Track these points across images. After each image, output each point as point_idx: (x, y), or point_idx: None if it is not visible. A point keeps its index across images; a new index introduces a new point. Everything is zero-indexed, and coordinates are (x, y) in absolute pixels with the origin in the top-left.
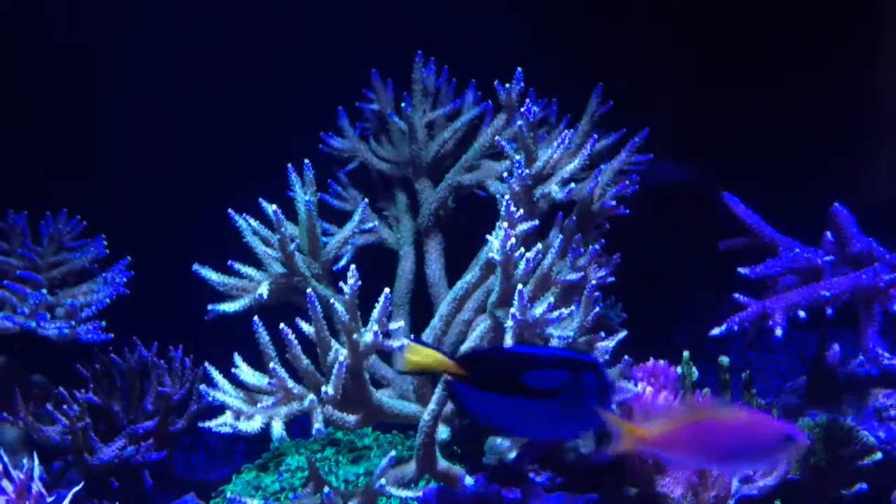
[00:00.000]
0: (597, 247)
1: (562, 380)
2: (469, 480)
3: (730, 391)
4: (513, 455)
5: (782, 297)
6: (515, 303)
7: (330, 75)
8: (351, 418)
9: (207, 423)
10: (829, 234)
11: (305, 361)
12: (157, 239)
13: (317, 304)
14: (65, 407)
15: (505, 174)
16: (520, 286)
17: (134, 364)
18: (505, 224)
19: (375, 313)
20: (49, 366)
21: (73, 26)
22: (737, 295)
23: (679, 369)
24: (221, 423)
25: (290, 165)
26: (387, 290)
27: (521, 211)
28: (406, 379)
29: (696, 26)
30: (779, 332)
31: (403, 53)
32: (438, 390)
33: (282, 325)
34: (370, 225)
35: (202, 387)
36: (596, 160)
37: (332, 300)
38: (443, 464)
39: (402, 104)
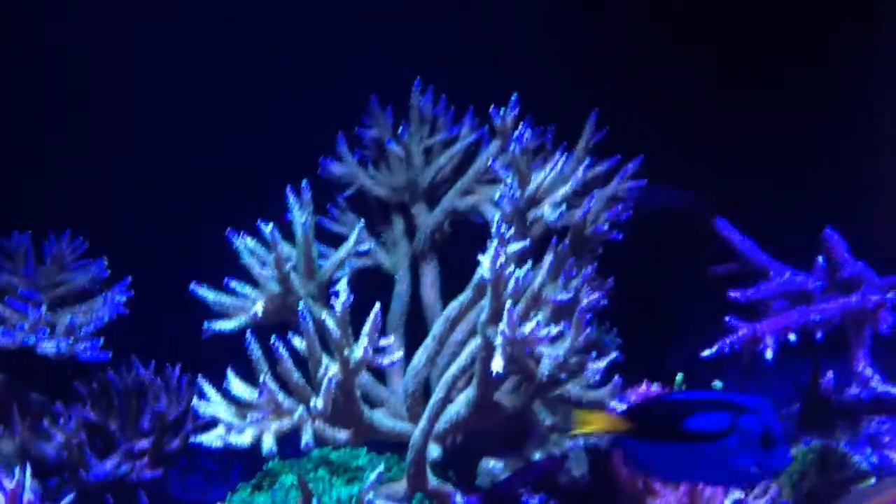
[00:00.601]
0: (589, 270)
1: (723, 423)
2: (459, 500)
3: None
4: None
5: (773, 321)
6: (504, 320)
7: (330, 100)
8: (342, 435)
9: (199, 438)
10: (820, 258)
11: (296, 375)
12: (159, 259)
13: (308, 318)
14: (61, 422)
15: (497, 196)
16: (508, 303)
17: (131, 383)
18: (495, 242)
19: (366, 328)
20: (47, 383)
21: (72, 39)
22: (728, 318)
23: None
24: (213, 437)
25: (289, 187)
26: (378, 304)
27: (513, 230)
28: (400, 398)
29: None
30: (769, 354)
31: (404, 79)
32: (429, 407)
33: (273, 339)
34: (366, 247)
35: (194, 401)
36: (590, 186)
37: (323, 316)
38: (433, 482)
39: (400, 130)
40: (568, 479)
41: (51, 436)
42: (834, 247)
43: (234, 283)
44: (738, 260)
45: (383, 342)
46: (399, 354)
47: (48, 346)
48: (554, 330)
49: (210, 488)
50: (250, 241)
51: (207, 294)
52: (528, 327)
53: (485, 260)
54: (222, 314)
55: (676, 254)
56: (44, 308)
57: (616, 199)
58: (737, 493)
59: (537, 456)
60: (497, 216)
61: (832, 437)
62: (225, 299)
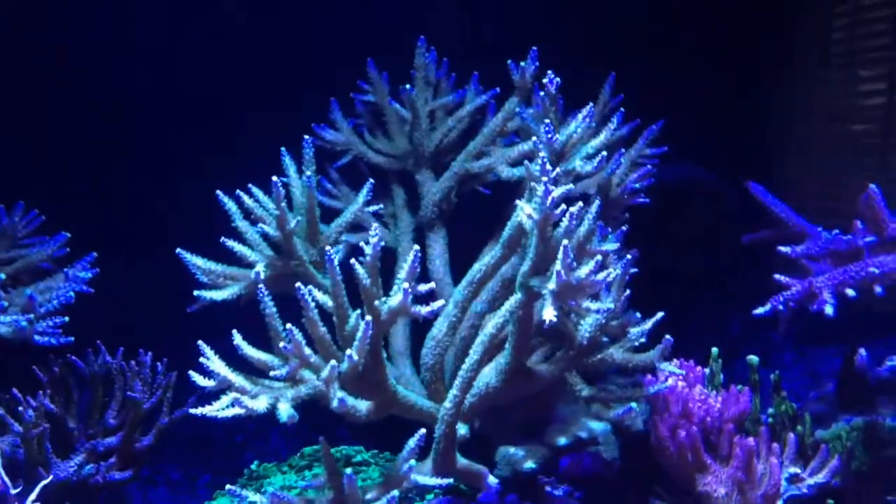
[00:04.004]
0: (624, 228)
1: None
2: (493, 480)
3: (759, 392)
4: (527, 465)
5: (830, 275)
6: (559, 261)
7: (320, 68)
8: (363, 405)
9: (204, 410)
10: (858, 221)
11: (322, 328)
12: (125, 237)
13: (335, 262)
14: (20, 409)
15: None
16: (564, 241)
17: (98, 369)
18: (541, 183)
19: (403, 273)
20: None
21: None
22: (778, 276)
23: (707, 369)
24: (222, 406)
25: (283, 148)
26: (416, 247)
27: (556, 171)
28: (410, 377)
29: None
30: (829, 309)
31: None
32: (462, 372)
33: (298, 284)
34: (374, 208)
35: (190, 373)
36: (612, 148)
37: (354, 264)
38: (462, 461)
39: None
40: (595, 466)
41: (6, 426)
42: (879, 204)
43: (230, 243)
44: (775, 224)
45: (423, 287)
46: (441, 302)
47: (4, 325)
48: (612, 273)
49: (176, 503)
50: (249, 199)
51: (196, 261)
52: (583, 270)
53: (525, 206)
54: (212, 284)
55: (695, 227)
56: None
57: (637, 165)
58: (792, 468)
59: (561, 441)
60: (541, 155)
61: (874, 413)
62: (217, 267)
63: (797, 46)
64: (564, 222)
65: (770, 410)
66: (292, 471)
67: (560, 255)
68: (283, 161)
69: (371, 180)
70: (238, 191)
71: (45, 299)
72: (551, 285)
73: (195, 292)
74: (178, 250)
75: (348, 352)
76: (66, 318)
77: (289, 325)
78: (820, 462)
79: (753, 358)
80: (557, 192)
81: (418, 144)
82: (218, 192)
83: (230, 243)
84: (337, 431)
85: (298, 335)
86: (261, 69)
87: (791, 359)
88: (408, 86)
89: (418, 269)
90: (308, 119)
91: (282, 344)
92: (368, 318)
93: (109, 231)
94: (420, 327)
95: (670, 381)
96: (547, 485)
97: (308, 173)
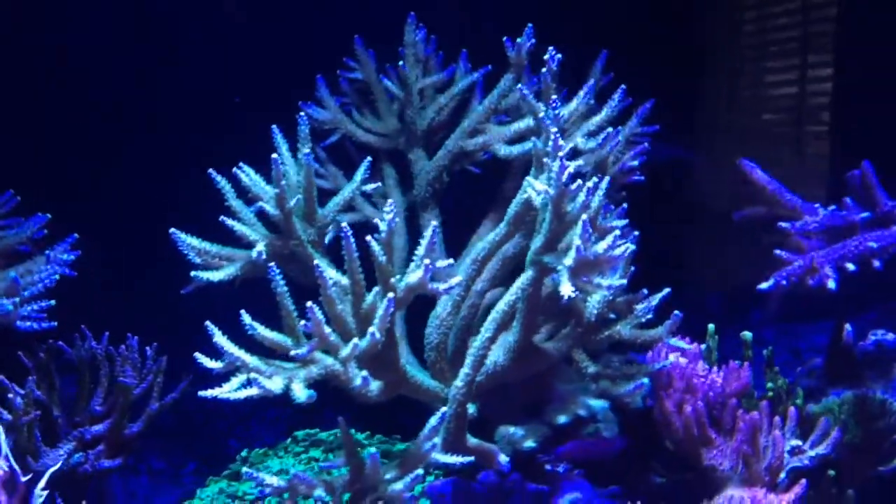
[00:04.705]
0: (625, 206)
1: None
2: (504, 458)
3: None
4: (527, 444)
5: (829, 251)
6: (577, 236)
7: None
8: (374, 386)
9: (215, 392)
10: (848, 199)
11: (340, 305)
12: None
13: (351, 237)
14: (10, 397)
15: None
16: (584, 216)
17: (84, 355)
18: (557, 158)
19: (421, 249)
20: None
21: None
22: (779, 251)
23: (704, 345)
24: (233, 388)
25: (274, 126)
26: (434, 222)
27: (569, 146)
28: (409, 358)
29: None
30: (831, 284)
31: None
32: (473, 350)
33: (315, 262)
34: (372, 186)
35: (197, 354)
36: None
37: (369, 240)
38: (472, 440)
39: (390, 72)
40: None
41: None
42: (872, 181)
43: (230, 222)
44: (765, 201)
45: (440, 263)
46: (458, 279)
47: None
48: (630, 247)
49: (159, 492)
50: (245, 177)
51: (190, 241)
52: (601, 245)
53: (536, 183)
54: (207, 265)
55: (679, 205)
56: None
57: (631, 143)
58: (795, 441)
59: (561, 420)
60: (553, 130)
61: (864, 387)
62: (212, 248)
63: (713, 39)
64: (581, 197)
65: (769, 385)
66: (288, 455)
67: (578, 230)
68: (275, 139)
69: (369, 158)
70: (240, 164)
71: (27, 282)
72: (568, 261)
73: (192, 273)
74: (171, 230)
75: (371, 329)
76: (52, 302)
77: (309, 304)
78: (821, 434)
79: (747, 334)
80: (574, 164)
81: (410, 123)
82: (210, 170)
83: (230, 222)
84: (325, 413)
85: (319, 313)
86: (261, 69)
87: (772, 335)
88: (400, 63)
89: (437, 245)
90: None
91: (301, 322)
92: (390, 294)
93: (109, 231)
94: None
95: (672, 357)
96: (546, 463)
97: (306, 151)
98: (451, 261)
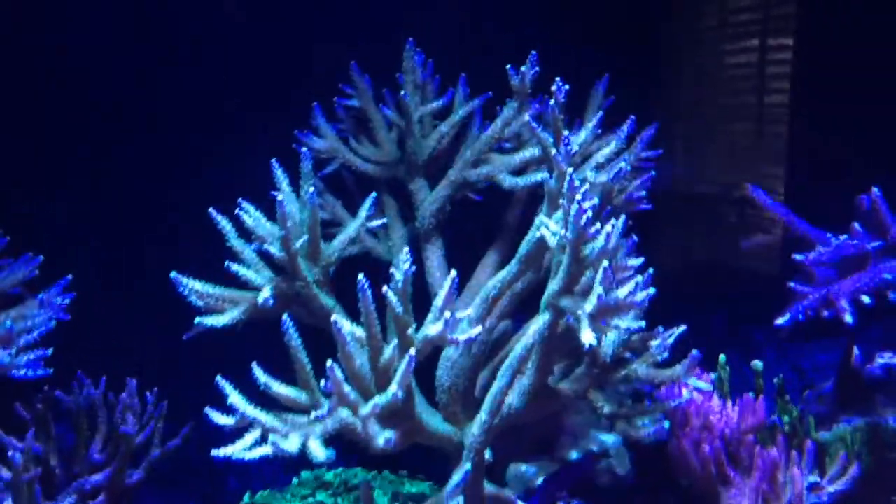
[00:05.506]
0: (635, 238)
1: None
2: None
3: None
4: (539, 482)
5: (845, 283)
6: (598, 283)
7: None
8: (388, 435)
9: (228, 451)
10: (857, 224)
11: (358, 362)
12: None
13: (368, 290)
14: (10, 454)
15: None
16: (605, 263)
17: (82, 402)
18: (575, 199)
19: (439, 300)
20: None
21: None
22: (794, 283)
23: (715, 375)
24: (245, 446)
25: (274, 160)
26: (454, 271)
27: (585, 186)
28: (419, 398)
29: None
30: (848, 318)
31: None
32: (490, 397)
33: (334, 318)
34: (378, 223)
35: (207, 410)
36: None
37: (386, 291)
38: (490, 488)
39: (387, 99)
40: (610, 479)
41: None
42: (881, 208)
43: (235, 267)
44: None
45: (460, 314)
46: (478, 329)
47: None
48: (650, 292)
49: None
50: (248, 217)
51: (192, 284)
52: (623, 291)
53: (551, 223)
54: (209, 310)
55: (678, 229)
56: None
57: (637, 170)
58: (813, 477)
59: (574, 456)
60: (569, 171)
61: (875, 413)
62: (214, 290)
63: (677, 16)
64: (600, 241)
65: (785, 419)
66: (295, 499)
67: (599, 277)
68: (275, 174)
69: (374, 194)
70: (241, 202)
71: (21, 329)
72: (589, 307)
73: (196, 320)
74: (172, 275)
75: (392, 388)
76: (49, 351)
77: (329, 363)
78: (840, 469)
79: (758, 363)
80: (586, 204)
81: (411, 153)
82: (210, 209)
83: (234, 267)
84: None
85: (339, 372)
86: (261, 69)
87: (774, 357)
88: (402, 92)
89: (456, 297)
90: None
91: (322, 382)
92: (412, 351)
93: (109, 231)
94: None
95: (687, 393)
96: (559, 500)
97: (310, 189)
98: (469, 312)
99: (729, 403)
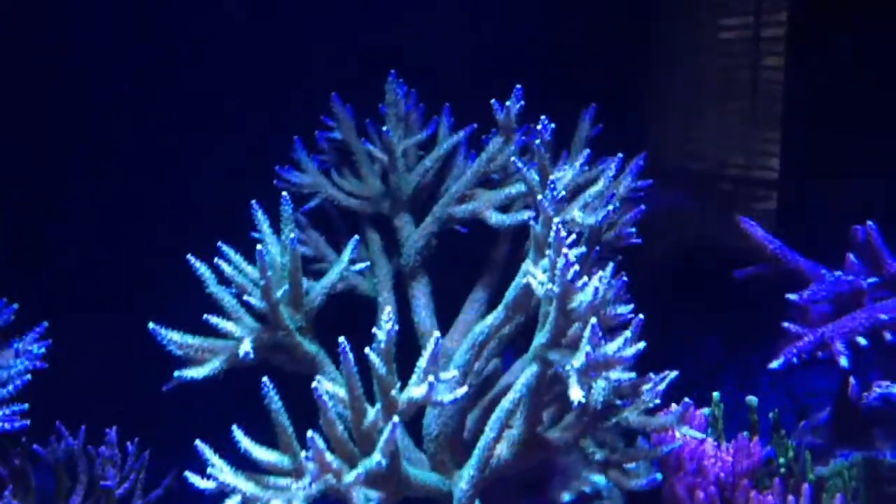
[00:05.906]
0: (625, 278)
1: None
2: None
3: (758, 432)
4: None
5: (839, 325)
6: (586, 340)
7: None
8: (374, 495)
9: None
10: (851, 255)
11: (341, 428)
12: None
13: (349, 354)
14: None
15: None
16: (593, 319)
17: (61, 456)
18: (562, 250)
19: (423, 362)
20: None
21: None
22: (787, 324)
23: (706, 411)
24: None
25: (254, 202)
26: (437, 333)
27: (572, 237)
28: (407, 446)
29: None
30: (844, 361)
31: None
32: (478, 451)
33: (315, 384)
34: (361, 266)
35: (187, 474)
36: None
37: (368, 352)
38: None
39: (370, 130)
40: None
41: None
42: (877, 242)
43: (214, 320)
44: (768, 260)
45: (444, 376)
46: (464, 389)
47: None
48: (640, 346)
49: None
50: (228, 266)
51: (171, 335)
52: (611, 347)
53: (538, 273)
54: (188, 360)
55: (672, 256)
56: None
57: (627, 202)
58: None
59: (566, 498)
60: (556, 220)
61: (872, 447)
62: (193, 341)
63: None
64: (588, 295)
65: (781, 460)
66: None
67: (587, 334)
68: (255, 217)
69: (356, 238)
70: (220, 247)
71: None
72: (577, 363)
73: (175, 373)
74: (150, 327)
75: (376, 457)
76: (27, 406)
77: (310, 434)
78: None
79: (752, 399)
80: (573, 254)
81: (395, 188)
82: (189, 256)
83: (214, 320)
84: None
85: (320, 441)
86: (261, 69)
87: (768, 381)
88: (384, 128)
89: (440, 357)
90: (308, 119)
91: (303, 454)
92: (396, 418)
93: (109, 231)
94: None
95: (679, 438)
96: None
97: (291, 235)
98: (455, 373)
99: (723, 444)
